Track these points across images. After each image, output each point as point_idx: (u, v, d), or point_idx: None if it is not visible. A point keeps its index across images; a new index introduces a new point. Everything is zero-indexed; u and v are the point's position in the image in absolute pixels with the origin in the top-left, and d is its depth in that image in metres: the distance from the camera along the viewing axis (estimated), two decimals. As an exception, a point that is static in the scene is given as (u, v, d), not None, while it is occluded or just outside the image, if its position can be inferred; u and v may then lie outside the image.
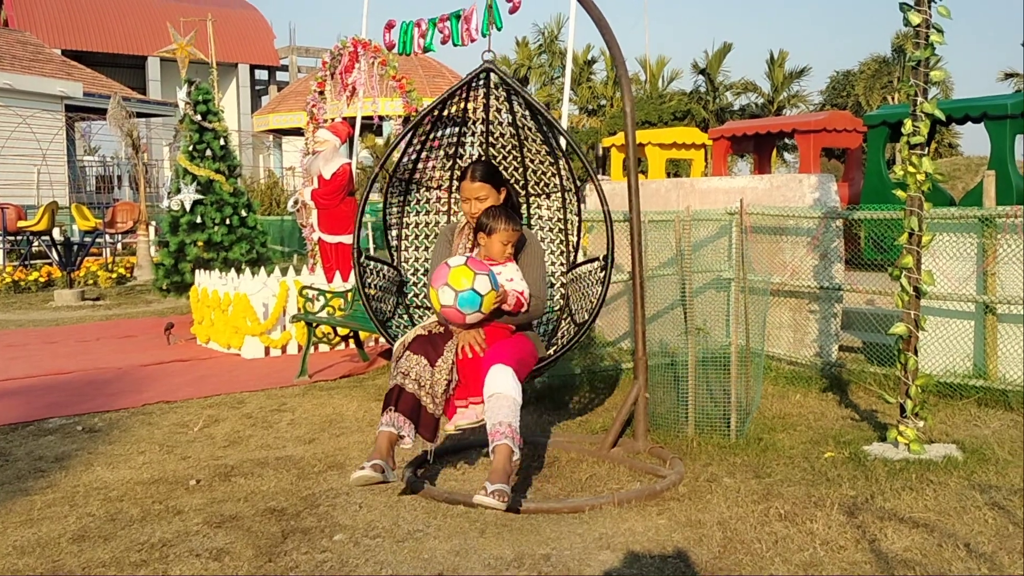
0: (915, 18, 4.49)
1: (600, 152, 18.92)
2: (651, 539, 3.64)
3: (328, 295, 7.47)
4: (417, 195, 5.22)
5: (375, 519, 3.94)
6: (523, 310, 4.38)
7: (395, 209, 5.17)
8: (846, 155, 14.22)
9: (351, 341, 7.75)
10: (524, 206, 5.19)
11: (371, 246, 18.64)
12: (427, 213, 5.27)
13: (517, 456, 3.98)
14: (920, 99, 4.53)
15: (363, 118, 12.24)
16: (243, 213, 10.25)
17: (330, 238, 8.89)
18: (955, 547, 3.45)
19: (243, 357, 8.20)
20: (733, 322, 5.31)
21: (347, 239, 8.87)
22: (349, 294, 7.51)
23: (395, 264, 5.12)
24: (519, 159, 5.11)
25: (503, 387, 4.02)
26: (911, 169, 4.57)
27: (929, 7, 4.50)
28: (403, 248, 5.22)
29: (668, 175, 26.90)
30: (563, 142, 4.96)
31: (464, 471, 4.64)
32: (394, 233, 5.19)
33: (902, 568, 3.30)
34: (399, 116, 9.12)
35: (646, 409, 4.91)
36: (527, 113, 4.93)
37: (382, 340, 8.17)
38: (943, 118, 4.59)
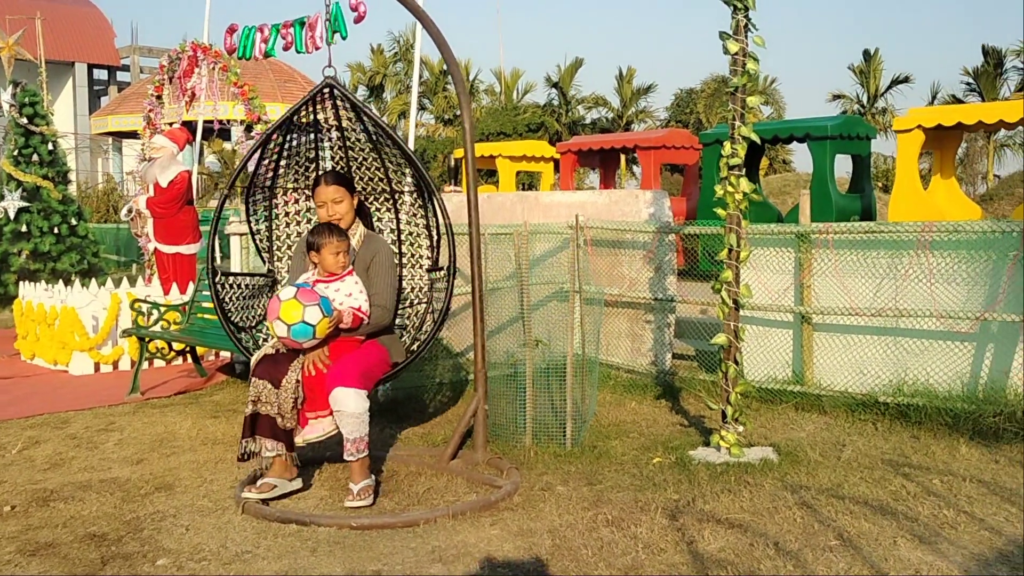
0: (733, 46, 4.76)
1: (452, 163, 19.04)
2: (482, 550, 3.70)
3: (162, 308, 7.20)
4: (284, 197, 5.28)
5: (202, 541, 3.83)
6: (364, 323, 4.49)
7: (262, 215, 5.23)
8: (685, 171, 14.85)
9: (188, 356, 7.49)
10: (392, 208, 5.31)
11: (218, 255, 17.93)
12: (295, 212, 5.31)
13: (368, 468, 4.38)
14: (738, 123, 4.81)
15: (204, 122, 11.87)
16: (73, 221, 9.78)
17: (167, 248, 8.56)
18: (765, 546, 3.68)
19: (71, 374, 7.78)
20: (569, 333, 5.46)
21: (185, 249, 8.58)
22: (185, 307, 7.27)
23: (269, 264, 5.24)
24: (379, 162, 5.21)
25: (346, 405, 4.22)
26: (730, 189, 4.84)
27: (746, 36, 4.79)
28: (275, 249, 5.28)
29: (524, 187, 27.33)
30: (411, 148, 5.11)
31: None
32: (263, 236, 5.25)
33: (716, 568, 3.48)
34: (241, 121, 8.89)
35: (486, 421, 4.98)
36: (372, 124, 5.04)
37: (223, 354, 7.95)
38: (759, 141, 4.89)
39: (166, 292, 8.17)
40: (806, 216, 6.29)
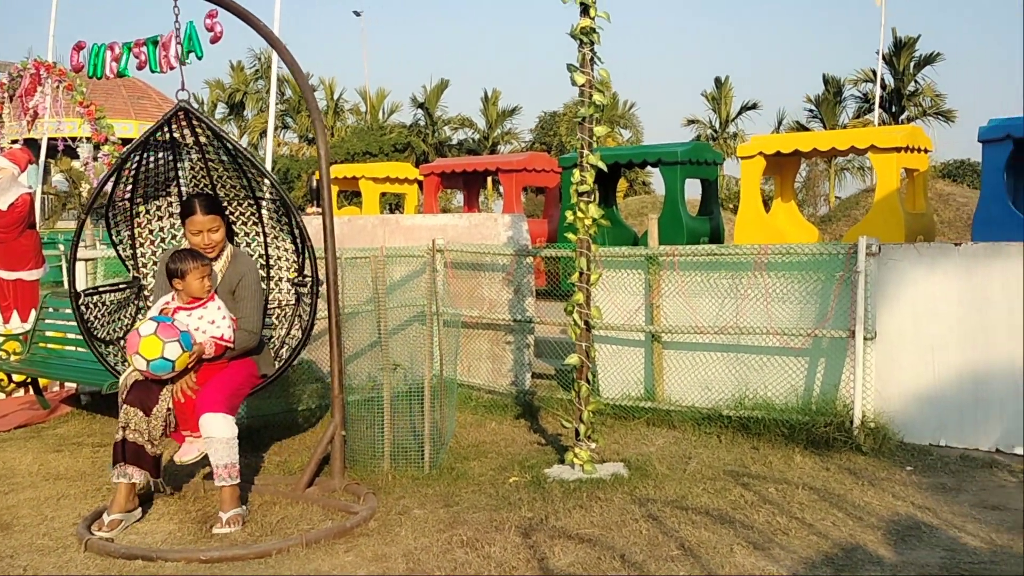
0: (580, 79, 4.96)
1: (314, 184, 18.81)
2: (337, 577, 3.70)
3: (2, 338, 6.85)
4: (148, 216, 5.18)
5: (41, 583, 3.69)
6: (229, 350, 4.55)
7: (124, 229, 5.14)
8: (546, 193, 15.18)
9: (30, 387, 7.13)
10: (257, 220, 5.25)
11: (65, 279, 17.00)
12: (159, 230, 5.23)
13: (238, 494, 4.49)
14: (586, 152, 5.01)
15: (49, 139, 11.35)
16: (-99, 246, 9.12)
17: (8, 275, 8.10)
18: (612, 559, 3.83)
19: (-103, 409, 7.27)
20: (427, 356, 5.52)
21: (27, 275, 8.14)
22: (27, 336, 6.94)
23: (135, 272, 5.19)
24: (240, 173, 5.11)
25: (215, 431, 4.34)
26: (580, 214, 5.02)
27: (592, 69, 5.00)
28: (139, 260, 5.21)
29: (390, 208, 27.22)
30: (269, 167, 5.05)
31: (143, 525, 4.44)
32: (127, 244, 5.17)
33: (565, 582, 3.60)
34: (88, 139, 8.57)
35: (343, 447, 4.97)
36: (231, 145, 4.96)
37: (67, 385, 7.61)
38: (605, 169, 5.09)
39: (6, 320, 7.75)
40: (654, 239, 6.58)
